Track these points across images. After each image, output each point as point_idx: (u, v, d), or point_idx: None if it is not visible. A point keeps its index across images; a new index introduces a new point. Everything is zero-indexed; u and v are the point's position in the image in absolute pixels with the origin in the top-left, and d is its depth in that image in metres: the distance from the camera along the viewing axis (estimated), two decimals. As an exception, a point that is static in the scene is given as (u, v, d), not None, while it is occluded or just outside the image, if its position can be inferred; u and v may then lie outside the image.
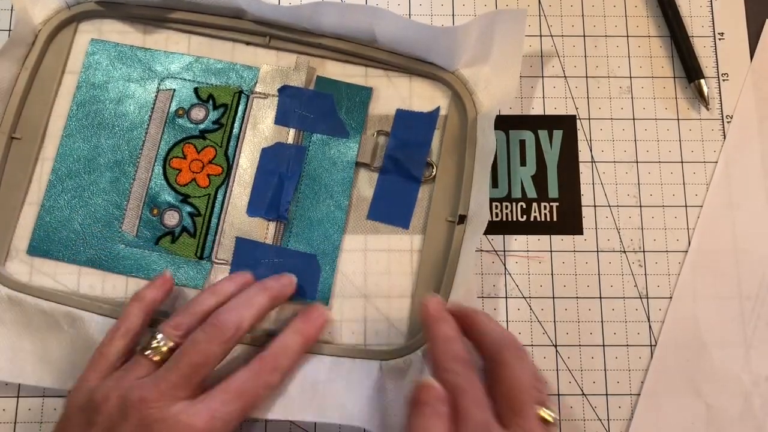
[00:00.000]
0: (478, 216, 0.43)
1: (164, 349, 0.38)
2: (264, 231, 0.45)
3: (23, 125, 0.46)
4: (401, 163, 0.46)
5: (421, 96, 0.47)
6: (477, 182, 0.44)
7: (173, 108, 0.47)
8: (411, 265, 0.45)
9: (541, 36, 0.49)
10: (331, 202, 0.46)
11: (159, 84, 0.47)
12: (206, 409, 0.35)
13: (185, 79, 0.47)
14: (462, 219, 0.44)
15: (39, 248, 0.45)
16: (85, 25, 0.48)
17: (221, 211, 0.45)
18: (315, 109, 0.47)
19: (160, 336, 0.38)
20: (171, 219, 0.45)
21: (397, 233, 0.46)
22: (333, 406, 0.40)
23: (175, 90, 0.47)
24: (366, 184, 0.46)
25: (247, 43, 0.48)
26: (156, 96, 0.47)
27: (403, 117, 0.47)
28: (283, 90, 0.47)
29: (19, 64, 0.46)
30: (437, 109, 0.47)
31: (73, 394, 0.37)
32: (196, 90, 0.47)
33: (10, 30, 0.49)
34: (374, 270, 0.45)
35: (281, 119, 0.46)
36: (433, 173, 0.46)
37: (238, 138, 0.46)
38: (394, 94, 0.47)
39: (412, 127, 0.46)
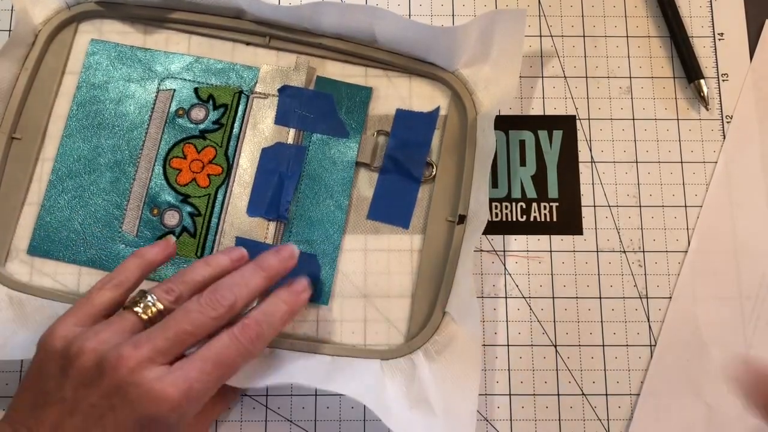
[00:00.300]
0: (477, 216, 0.43)
1: (154, 309, 0.36)
2: (264, 231, 0.45)
3: (23, 125, 0.46)
4: (401, 162, 0.46)
5: (420, 96, 0.47)
6: (477, 182, 0.44)
7: (173, 108, 0.47)
8: (411, 265, 0.45)
9: (541, 36, 0.49)
10: (331, 201, 0.46)
11: (159, 84, 0.47)
12: (184, 378, 0.34)
13: (185, 79, 0.47)
14: (462, 219, 0.44)
15: (39, 248, 0.45)
16: (85, 25, 0.48)
17: (221, 211, 0.45)
18: (315, 109, 0.47)
19: (151, 296, 0.37)
20: (171, 219, 0.45)
21: (397, 233, 0.46)
22: (334, 384, 0.39)
23: (175, 90, 0.47)
24: (366, 184, 0.46)
25: (247, 44, 0.48)
26: (156, 96, 0.47)
27: (403, 117, 0.47)
28: (283, 90, 0.47)
29: (19, 65, 0.46)
30: (437, 109, 0.47)
31: (49, 337, 0.36)
32: (196, 90, 0.47)
33: (10, 30, 0.49)
34: (374, 270, 0.45)
35: (281, 119, 0.47)
36: (433, 173, 0.46)
37: (238, 138, 0.46)
38: (393, 94, 0.47)
39: (412, 127, 0.46)
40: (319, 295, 0.44)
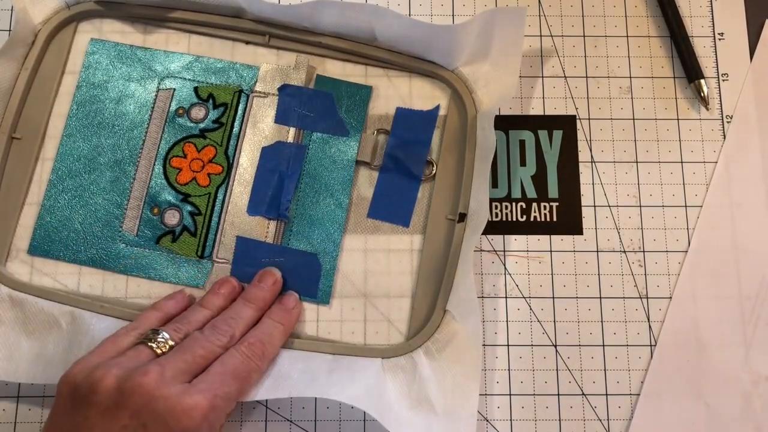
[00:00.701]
0: (478, 214, 0.43)
1: (167, 345, 0.38)
2: (264, 230, 0.45)
3: (23, 125, 0.46)
4: (401, 161, 0.46)
5: (420, 95, 0.47)
6: (477, 180, 0.44)
7: (173, 107, 0.47)
8: (411, 265, 0.45)
9: (541, 36, 0.49)
10: (332, 200, 0.46)
11: (159, 83, 0.47)
12: (208, 389, 0.36)
13: (185, 79, 0.47)
14: (462, 217, 0.44)
15: (39, 248, 0.45)
16: (84, 24, 0.48)
17: (222, 210, 0.45)
18: (315, 107, 0.47)
19: (163, 334, 0.39)
20: (171, 218, 0.45)
21: (398, 233, 0.46)
22: (334, 389, 0.40)
23: (175, 89, 0.47)
24: (366, 183, 0.46)
25: (247, 42, 0.48)
26: (156, 95, 0.47)
27: (403, 115, 0.47)
28: (283, 89, 0.47)
29: (19, 64, 0.46)
30: (437, 108, 0.47)
31: (70, 372, 0.37)
32: (196, 89, 0.47)
33: (10, 30, 0.49)
34: (374, 270, 0.45)
35: (281, 118, 0.47)
36: (433, 171, 0.46)
37: (239, 137, 0.46)
38: (393, 93, 0.47)
39: (412, 126, 0.46)
40: (319, 294, 0.44)
